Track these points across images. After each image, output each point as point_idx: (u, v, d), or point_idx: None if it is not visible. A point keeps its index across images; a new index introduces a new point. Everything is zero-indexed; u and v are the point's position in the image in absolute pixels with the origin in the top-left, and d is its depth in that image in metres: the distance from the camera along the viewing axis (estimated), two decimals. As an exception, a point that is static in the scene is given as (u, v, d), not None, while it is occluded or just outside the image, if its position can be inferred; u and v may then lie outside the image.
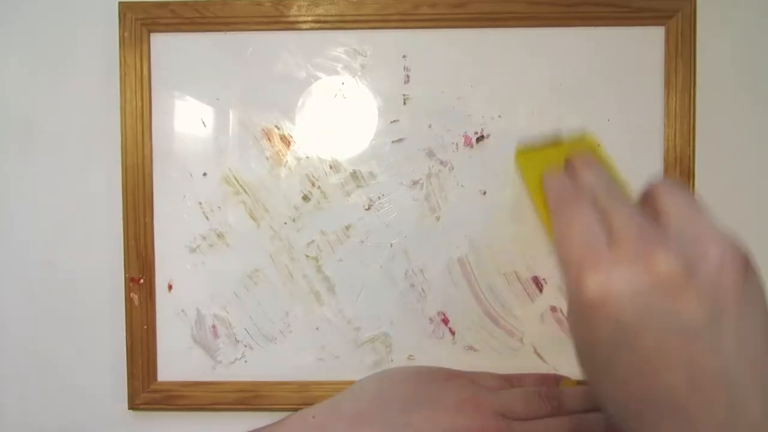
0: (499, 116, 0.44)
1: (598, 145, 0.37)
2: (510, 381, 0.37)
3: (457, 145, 0.44)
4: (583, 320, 0.28)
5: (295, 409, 0.44)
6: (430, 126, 0.44)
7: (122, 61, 0.44)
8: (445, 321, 0.45)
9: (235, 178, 0.45)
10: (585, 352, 0.29)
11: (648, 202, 0.31)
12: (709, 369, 0.26)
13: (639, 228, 0.28)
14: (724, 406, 0.26)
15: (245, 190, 0.45)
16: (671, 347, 0.26)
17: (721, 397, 0.26)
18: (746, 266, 0.27)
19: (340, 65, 0.44)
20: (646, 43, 0.44)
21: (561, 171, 0.34)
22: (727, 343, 0.26)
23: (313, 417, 0.40)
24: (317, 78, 0.44)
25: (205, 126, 0.45)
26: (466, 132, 0.44)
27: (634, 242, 0.27)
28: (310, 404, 0.44)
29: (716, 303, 0.26)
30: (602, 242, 0.28)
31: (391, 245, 0.45)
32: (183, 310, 0.45)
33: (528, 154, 0.39)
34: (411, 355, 0.45)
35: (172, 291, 0.45)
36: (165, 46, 0.44)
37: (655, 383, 0.27)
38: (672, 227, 0.28)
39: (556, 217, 0.31)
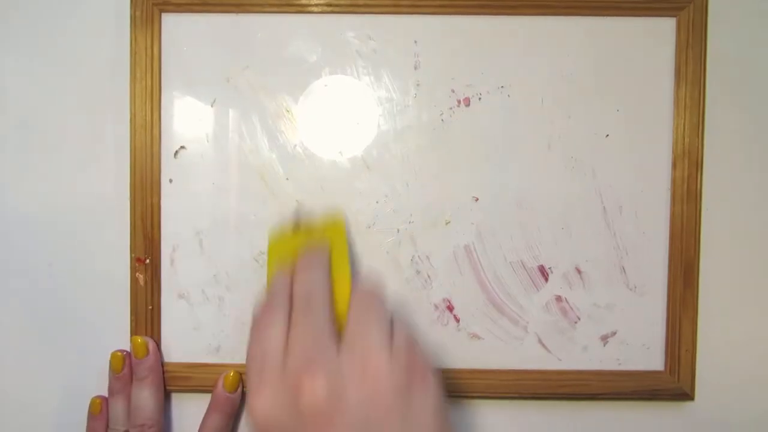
0: (509, 104, 0.44)
1: (343, 228, 0.41)
2: None
3: (466, 132, 0.45)
4: None
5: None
6: (440, 113, 0.44)
7: (133, 40, 0.44)
8: (450, 308, 0.45)
9: (244, 161, 0.45)
10: None
11: None
12: None
13: (304, 350, 0.29)
14: None
15: (253, 173, 0.45)
16: None
17: None
18: (405, 387, 0.28)
19: (351, 49, 0.44)
20: (657, 35, 0.44)
21: (288, 270, 0.36)
22: None
23: None
24: (328, 62, 0.44)
25: (213, 107, 0.45)
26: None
27: (296, 365, 0.28)
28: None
29: (367, 428, 0.27)
30: (275, 363, 0.29)
31: (398, 231, 0.45)
32: (188, 292, 0.45)
33: (279, 241, 0.42)
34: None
35: (178, 272, 0.45)
36: (176, 26, 0.44)
37: None
38: (344, 344, 0.29)
39: (252, 324, 0.32)
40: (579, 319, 0.45)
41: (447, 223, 0.45)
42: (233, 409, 0.43)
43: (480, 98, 0.44)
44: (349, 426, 0.27)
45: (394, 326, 0.32)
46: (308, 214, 0.43)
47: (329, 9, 0.44)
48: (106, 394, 0.45)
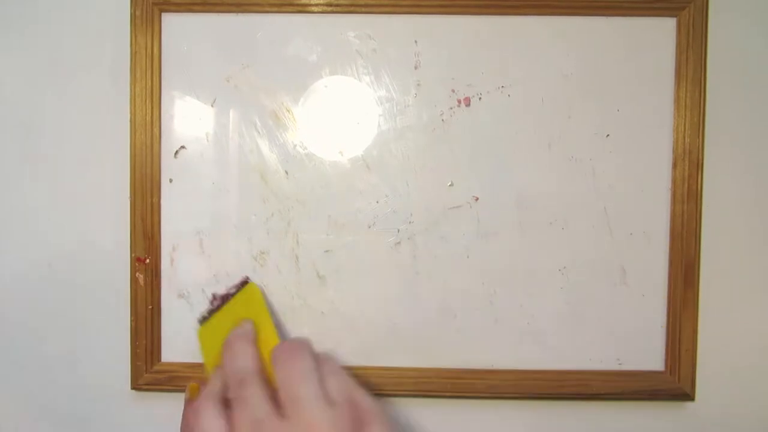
0: (510, 104, 0.44)
1: (259, 296, 0.42)
2: None
3: (466, 132, 0.44)
4: None
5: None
6: (440, 113, 0.44)
7: (133, 40, 0.44)
8: (450, 308, 0.45)
9: (244, 161, 0.45)
10: None
11: None
12: None
13: (251, 426, 0.31)
14: None
15: (253, 173, 0.45)
16: None
17: None
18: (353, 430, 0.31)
19: (351, 49, 0.44)
20: (657, 34, 0.44)
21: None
22: None
23: None
24: (328, 62, 0.44)
25: (213, 107, 0.45)
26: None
27: None
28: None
29: None
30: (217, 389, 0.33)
31: (398, 231, 0.45)
32: (188, 291, 0.45)
33: (207, 326, 0.43)
34: (415, 340, 0.45)
35: (178, 271, 0.45)
36: (176, 26, 0.44)
37: None
38: (284, 408, 0.32)
39: (188, 415, 0.36)
40: (579, 319, 0.45)
41: (447, 223, 0.45)
42: None
43: (480, 98, 0.44)
44: None
45: (326, 373, 0.34)
46: (221, 296, 0.44)
47: (329, 9, 0.44)
48: (107, 394, 0.45)
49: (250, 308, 0.41)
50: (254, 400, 0.33)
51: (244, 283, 0.44)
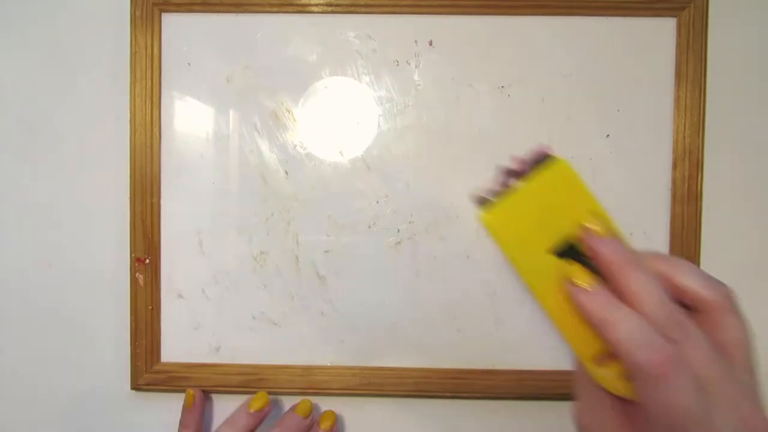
0: (510, 104, 0.44)
1: (574, 174, 0.30)
2: None
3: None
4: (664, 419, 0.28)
5: (299, 393, 0.44)
6: (440, 113, 0.44)
7: (133, 40, 0.44)
8: (450, 308, 0.45)
9: (244, 161, 0.45)
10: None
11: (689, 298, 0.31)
12: None
13: (713, 377, 0.28)
14: None
15: (253, 173, 0.45)
16: None
17: None
18: None
19: (351, 49, 0.44)
20: (658, 34, 0.44)
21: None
22: None
23: None
24: (328, 62, 0.44)
25: (214, 108, 0.45)
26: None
27: (736, 396, 0.28)
28: (313, 388, 0.44)
29: None
30: (662, 342, 0.28)
31: (398, 231, 0.45)
32: (188, 291, 0.45)
33: (495, 212, 0.31)
34: (415, 342, 0.45)
35: (178, 272, 0.45)
36: (176, 26, 0.44)
37: None
38: (739, 363, 0.30)
39: (600, 322, 0.29)
40: (579, 319, 0.45)
41: (447, 223, 0.45)
42: (251, 429, 0.42)
43: (480, 98, 0.44)
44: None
45: None
46: (513, 171, 0.31)
47: (329, 9, 0.44)
48: (107, 394, 0.46)
49: (564, 193, 0.30)
50: (696, 333, 0.29)
51: (543, 157, 0.31)
